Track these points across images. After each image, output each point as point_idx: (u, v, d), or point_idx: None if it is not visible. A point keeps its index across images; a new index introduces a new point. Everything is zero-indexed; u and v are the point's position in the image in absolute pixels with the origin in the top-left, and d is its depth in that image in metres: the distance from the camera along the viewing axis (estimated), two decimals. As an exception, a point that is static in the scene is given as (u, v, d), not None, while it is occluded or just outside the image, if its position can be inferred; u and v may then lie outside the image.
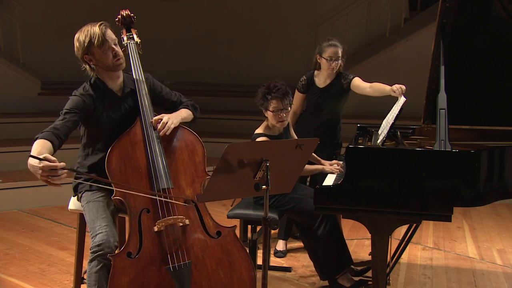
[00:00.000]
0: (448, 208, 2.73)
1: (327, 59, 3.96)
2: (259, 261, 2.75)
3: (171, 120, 2.83)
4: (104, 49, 2.73)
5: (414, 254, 4.41)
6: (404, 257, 4.23)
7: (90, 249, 2.61)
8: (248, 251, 2.89)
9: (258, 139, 3.35)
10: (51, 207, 5.57)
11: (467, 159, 2.76)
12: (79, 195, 2.89)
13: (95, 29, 2.72)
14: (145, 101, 2.87)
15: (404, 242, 3.74)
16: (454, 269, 4.10)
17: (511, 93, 3.45)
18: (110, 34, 2.76)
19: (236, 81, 9.07)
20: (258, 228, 3.61)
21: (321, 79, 4.10)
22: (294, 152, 2.48)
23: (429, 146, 3.15)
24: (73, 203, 3.03)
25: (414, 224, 3.49)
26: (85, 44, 2.71)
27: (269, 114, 3.34)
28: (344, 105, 4.17)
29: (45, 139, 2.57)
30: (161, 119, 2.81)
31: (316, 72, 4.13)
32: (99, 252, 2.57)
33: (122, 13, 3.09)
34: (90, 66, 2.80)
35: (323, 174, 3.51)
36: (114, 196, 2.69)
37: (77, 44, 2.75)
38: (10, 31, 7.80)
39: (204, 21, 9.38)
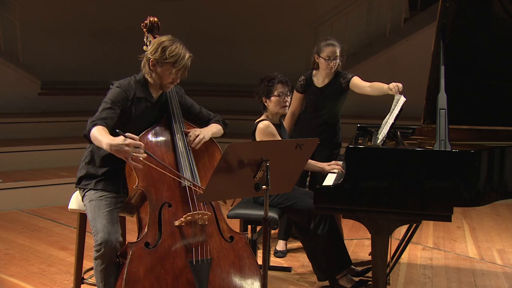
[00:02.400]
0: (448, 208, 2.73)
1: (325, 59, 3.96)
2: (259, 261, 2.75)
3: (202, 134, 2.94)
4: (173, 73, 2.79)
5: (414, 254, 4.41)
6: (404, 257, 4.23)
7: (93, 247, 2.63)
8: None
9: (261, 124, 3.45)
10: (51, 207, 5.57)
11: (467, 159, 2.76)
12: (83, 193, 2.89)
13: (185, 56, 2.79)
14: (174, 101, 2.98)
15: (404, 242, 3.74)
16: (454, 269, 4.10)
17: (511, 93, 3.45)
18: (187, 69, 2.84)
19: (236, 81, 9.07)
20: (258, 228, 3.61)
21: (320, 79, 4.10)
22: (294, 152, 2.48)
23: (429, 146, 3.15)
24: (73, 203, 3.03)
25: (414, 224, 3.49)
26: (167, 59, 2.75)
27: (272, 101, 3.46)
28: (343, 104, 4.17)
29: (103, 126, 2.59)
30: (196, 133, 2.91)
31: (314, 72, 4.13)
32: (101, 252, 2.59)
33: (150, 19, 3.17)
34: (149, 67, 2.82)
35: (323, 174, 3.52)
36: (136, 186, 2.70)
37: (160, 50, 2.76)
38: (10, 31, 7.80)
39: (204, 21, 9.39)
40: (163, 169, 2.67)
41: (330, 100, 4.09)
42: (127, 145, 2.43)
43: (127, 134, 2.48)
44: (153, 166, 2.64)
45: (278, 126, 3.57)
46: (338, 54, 3.98)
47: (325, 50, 3.96)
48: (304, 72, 4.25)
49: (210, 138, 2.99)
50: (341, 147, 4.22)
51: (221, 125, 3.13)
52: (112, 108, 2.71)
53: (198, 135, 2.90)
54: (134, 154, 2.45)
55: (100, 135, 2.53)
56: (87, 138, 2.62)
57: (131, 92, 2.82)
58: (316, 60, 4.04)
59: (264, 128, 3.45)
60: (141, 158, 2.47)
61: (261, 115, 3.58)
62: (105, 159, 2.85)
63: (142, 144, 2.49)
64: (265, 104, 3.51)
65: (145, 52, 2.86)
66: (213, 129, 3.05)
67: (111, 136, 2.51)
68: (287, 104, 3.50)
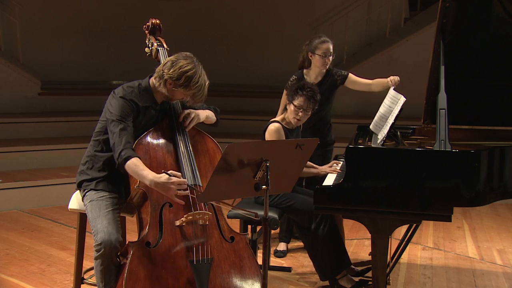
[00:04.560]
0: (448, 208, 2.74)
1: (321, 56, 3.98)
2: (259, 261, 2.75)
3: (197, 115, 2.96)
4: (187, 96, 2.79)
5: (414, 254, 4.41)
6: (404, 257, 4.23)
7: (93, 247, 2.63)
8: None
9: (272, 126, 3.51)
10: (51, 207, 5.57)
11: (467, 159, 2.76)
12: (83, 193, 2.89)
13: (206, 85, 2.78)
14: (176, 102, 2.98)
15: (404, 242, 3.74)
16: (454, 269, 4.10)
17: (511, 93, 3.45)
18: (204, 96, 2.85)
19: (235, 81, 9.06)
20: (258, 228, 3.62)
21: (312, 77, 4.11)
22: (294, 152, 2.48)
23: (429, 146, 3.15)
24: (74, 203, 3.03)
25: (414, 224, 3.49)
26: (191, 89, 2.74)
27: (290, 107, 3.50)
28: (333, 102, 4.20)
29: (136, 156, 2.64)
30: (189, 114, 2.93)
31: (305, 70, 4.14)
32: (101, 252, 2.60)
33: (152, 21, 3.18)
34: (164, 84, 2.78)
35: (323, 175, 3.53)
36: (138, 186, 2.71)
37: (183, 79, 2.71)
38: (10, 31, 7.79)
39: (204, 21, 9.38)
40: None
41: (324, 98, 4.10)
42: (172, 183, 2.53)
43: (170, 172, 2.56)
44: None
45: (291, 131, 3.58)
46: (332, 50, 4.01)
47: (321, 47, 3.99)
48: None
49: (213, 140, 3.00)
50: (333, 144, 4.27)
51: (212, 111, 3.13)
52: (127, 127, 2.70)
53: (191, 116, 2.91)
54: (178, 191, 2.55)
55: (140, 170, 2.59)
56: (121, 169, 2.66)
57: (137, 102, 2.79)
58: (310, 57, 4.05)
59: (273, 130, 3.49)
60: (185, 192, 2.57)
61: (263, 121, 3.61)
62: (106, 163, 2.85)
63: (185, 180, 2.58)
64: (287, 106, 3.54)
65: (162, 68, 2.77)
66: (207, 112, 3.06)
67: (154, 173, 2.57)
68: (301, 118, 3.49)
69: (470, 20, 3.37)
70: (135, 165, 2.60)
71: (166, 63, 2.78)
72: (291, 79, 4.16)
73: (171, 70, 2.73)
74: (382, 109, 3.50)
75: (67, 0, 8.72)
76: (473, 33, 3.39)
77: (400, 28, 8.55)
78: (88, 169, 2.90)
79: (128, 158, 2.60)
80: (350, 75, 4.13)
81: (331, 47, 4.01)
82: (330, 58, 4.02)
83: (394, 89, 3.65)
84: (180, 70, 2.71)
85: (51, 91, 8.00)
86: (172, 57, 2.80)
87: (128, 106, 2.75)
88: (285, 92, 4.15)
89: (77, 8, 8.73)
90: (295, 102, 3.45)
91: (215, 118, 3.11)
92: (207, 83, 2.79)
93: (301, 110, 3.45)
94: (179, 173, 2.60)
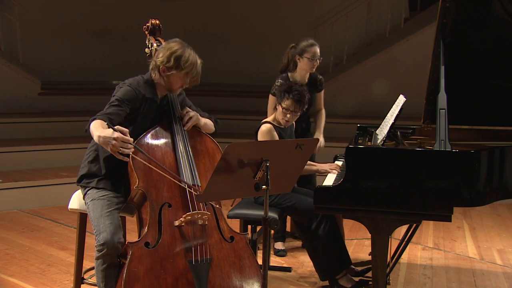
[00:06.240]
0: (448, 208, 2.74)
1: (309, 59, 4.00)
2: (259, 261, 2.76)
3: (196, 115, 2.98)
4: (184, 79, 2.80)
5: (414, 254, 4.41)
6: (404, 257, 4.23)
7: (95, 247, 2.63)
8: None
9: (263, 126, 3.54)
10: (51, 207, 5.57)
11: (467, 159, 2.76)
12: (84, 191, 2.89)
13: (198, 62, 2.79)
14: (175, 102, 3.00)
15: (404, 242, 3.74)
16: (454, 269, 4.10)
17: (511, 93, 3.45)
18: (199, 75, 2.84)
19: (235, 81, 9.07)
20: (258, 228, 3.62)
21: (297, 79, 4.13)
22: (294, 152, 2.48)
23: (429, 146, 3.15)
24: (74, 203, 3.03)
25: (414, 224, 3.49)
26: (183, 69, 2.76)
27: (279, 108, 3.53)
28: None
29: (102, 120, 2.58)
30: (188, 112, 2.95)
31: (290, 74, 4.15)
32: (103, 252, 2.60)
33: (152, 22, 3.20)
34: (160, 73, 2.81)
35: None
36: (137, 186, 2.70)
37: (173, 60, 2.75)
38: (10, 31, 7.79)
39: (204, 21, 9.39)
40: (159, 169, 2.66)
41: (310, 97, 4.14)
42: (115, 138, 2.44)
43: (116, 127, 2.48)
44: (148, 165, 2.63)
45: (284, 130, 3.60)
46: (319, 54, 4.06)
47: (309, 50, 4.02)
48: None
49: (213, 141, 3.01)
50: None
51: (213, 121, 3.14)
52: (119, 106, 2.71)
53: (191, 115, 2.94)
54: (122, 148, 2.46)
55: (95, 129, 2.53)
56: (88, 132, 2.61)
57: (141, 92, 2.82)
58: (297, 60, 4.07)
59: (265, 131, 3.51)
60: (129, 150, 2.48)
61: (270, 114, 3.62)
62: (109, 159, 2.84)
63: (131, 139, 2.49)
64: (276, 106, 3.57)
65: (154, 58, 2.83)
66: (206, 120, 3.09)
67: (102, 129, 2.50)
68: (289, 120, 3.52)
69: (470, 20, 3.37)
70: (94, 125, 2.54)
71: (156, 53, 2.85)
72: (277, 83, 4.14)
73: (160, 55, 2.79)
74: (389, 115, 3.49)
75: (67, 0, 8.72)
76: (473, 33, 3.39)
77: (400, 28, 8.56)
78: (90, 163, 2.89)
79: (95, 119, 2.57)
80: (323, 91, 4.26)
81: (318, 50, 4.06)
82: (318, 61, 4.04)
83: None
84: (168, 52, 2.77)
85: (51, 91, 8.01)
86: (161, 45, 2.88)
87: (133, 93, 2.78)
88: (271, 97, 4.12)
89: (77, 8, 8.73)
90: (283, 104, 3.48)
91: (213, 128, 3.13)
92: (199, 62, 2.81)
93: (289, 112, 3.48)
94: (126, 130, 2.51)
